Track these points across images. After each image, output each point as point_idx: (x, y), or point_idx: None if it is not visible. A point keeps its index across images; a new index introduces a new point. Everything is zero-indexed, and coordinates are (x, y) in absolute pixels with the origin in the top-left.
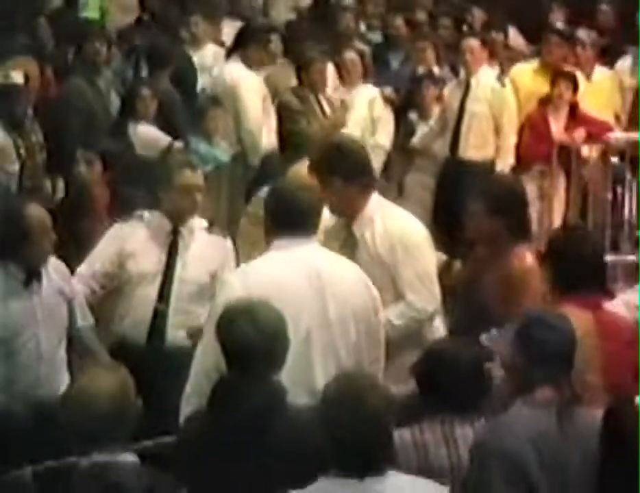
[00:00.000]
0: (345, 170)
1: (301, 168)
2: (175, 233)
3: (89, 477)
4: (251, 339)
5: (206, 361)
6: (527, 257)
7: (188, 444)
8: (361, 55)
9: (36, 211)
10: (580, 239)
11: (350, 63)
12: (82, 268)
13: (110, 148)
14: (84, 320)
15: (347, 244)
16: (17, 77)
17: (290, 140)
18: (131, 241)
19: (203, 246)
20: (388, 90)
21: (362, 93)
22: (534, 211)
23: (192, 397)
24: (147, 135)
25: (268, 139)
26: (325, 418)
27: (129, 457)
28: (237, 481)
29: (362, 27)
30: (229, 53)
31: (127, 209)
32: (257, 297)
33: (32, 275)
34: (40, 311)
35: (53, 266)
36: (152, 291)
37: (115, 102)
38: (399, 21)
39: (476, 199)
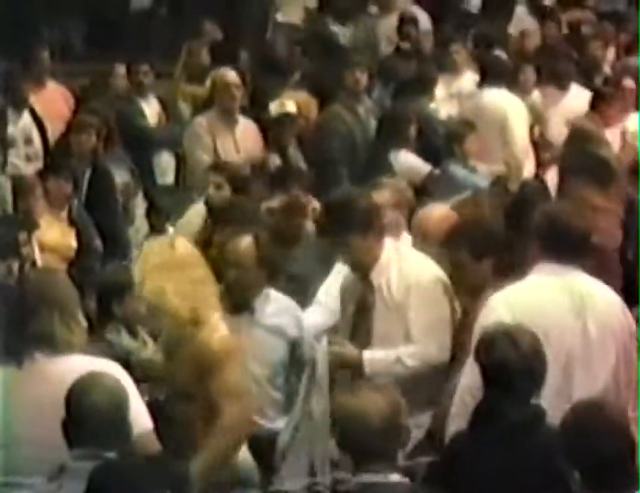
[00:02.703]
0: (359, 225)
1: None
2: None
3: None
4: (511, 361)
5: (469, 381)
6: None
7: (451, 461)
8: None
9: (242, 243)
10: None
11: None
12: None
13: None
14: None
15: (365, 294)
16: (290, 107)
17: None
18: None
19: None
20: None
21: None
22: None
23: (457, 417)
24: (409, 162)
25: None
26: (568, 443)
27: (398, 477)
28: None
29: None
30: (483, 79)
31: None
32: (521, 320)
33: (241, 305)
34: (249, 343)
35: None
36: None
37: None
38: None
39: (459, 247)
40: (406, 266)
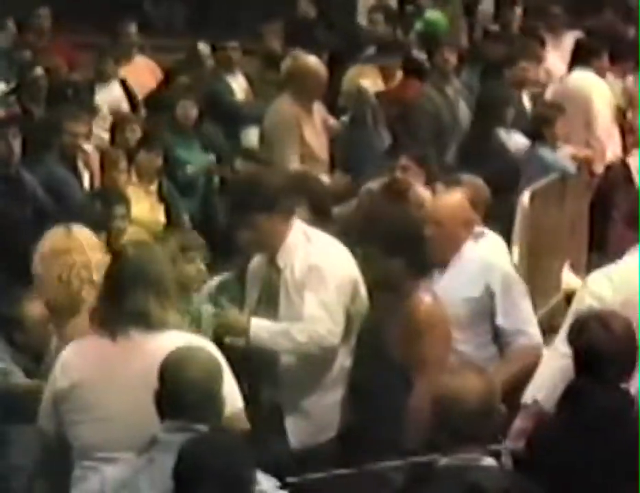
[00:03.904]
0: (263, 203)
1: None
2: None
3: (448, 475)
4: (602, 345)
5: (555, 365)
6: (429, 299)
7: (538, 446)
8: None
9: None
10: None
11: None
12: None
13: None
14: None
15: (271, 276)
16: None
17: None
18: None
19: None
20: None
21: None
22: None
23: (543, 401)
24: (517, 144)
25: (613, 147)
26: None
27: (488, 460)
28: (583, 483)
29: None
30: (572, 63)
31: None
32: (622, 295)
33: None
34: None
35: None
36: None
37: (463, 110)
38: None
39: (369, 243)
40: (312, 248)
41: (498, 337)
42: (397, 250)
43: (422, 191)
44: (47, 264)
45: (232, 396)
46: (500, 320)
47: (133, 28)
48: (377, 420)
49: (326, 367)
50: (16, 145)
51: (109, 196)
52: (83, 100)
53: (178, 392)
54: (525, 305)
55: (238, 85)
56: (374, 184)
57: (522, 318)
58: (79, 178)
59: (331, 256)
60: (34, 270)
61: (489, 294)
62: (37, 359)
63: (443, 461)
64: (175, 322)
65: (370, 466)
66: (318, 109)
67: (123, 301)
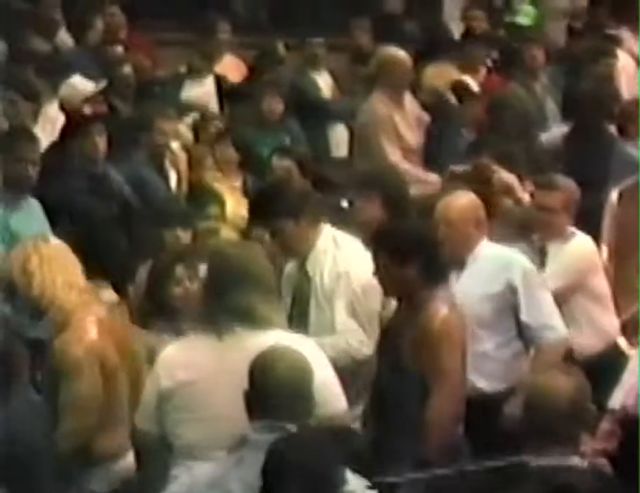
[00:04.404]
0: (290, 209)
1: None
2: None
3: (539, 476)
4: None
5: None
6: (445, 310)
7: (626, 445)
8: None
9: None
10: None
11: None
12: None
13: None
14: None
15: (302, 283)
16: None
17: None
18: None
19: None
20: None
21: None
22: None
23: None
24: None
25: None
26: None
27: (579, 461)
28: None
29: None
30: None
31: None
32: None
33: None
34: None
35: None
36: None
37: (550, 106)
38: None
39: (381, 252)
40: (341, 255)
41: (523, 333)
42: (410, 260)
43: (508, 176)
44: (45, 271)
45: (334, 395)
46: (524, 316)
47: (226, 26)
48: (396, 430)
49: (358, 377)
50: (101, 142)
51: (203, 196)
52: (171, 97)
53: (266, 391)
54: (548, 298)
55: (324, 81)
56: (459, 168)
57: (545, 312)
58: (165, 177)
59: (360, 263)
60: (23, 285)
61: (511, 290)
62: None
63: (535, 462)
64: (279, 320)
65: (458, 467)
66: (411, 102)
67: (227, 299)
